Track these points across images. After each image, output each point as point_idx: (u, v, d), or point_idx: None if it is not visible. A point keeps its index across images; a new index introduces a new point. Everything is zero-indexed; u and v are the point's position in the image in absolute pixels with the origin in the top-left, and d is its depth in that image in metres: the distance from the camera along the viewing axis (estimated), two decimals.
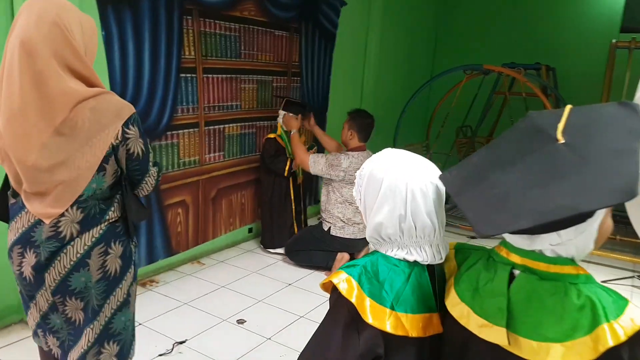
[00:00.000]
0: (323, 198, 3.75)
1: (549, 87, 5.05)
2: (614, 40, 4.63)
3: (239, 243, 4.31)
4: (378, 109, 5.96)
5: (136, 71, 3.06)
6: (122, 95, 3.01)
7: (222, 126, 3.83)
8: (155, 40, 3.15)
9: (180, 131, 3.45)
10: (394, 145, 5.20)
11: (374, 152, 1.26)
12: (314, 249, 3.73)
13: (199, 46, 3.47)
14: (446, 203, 1.16)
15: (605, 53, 5.80)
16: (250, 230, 4.42)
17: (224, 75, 3.76)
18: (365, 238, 3.70)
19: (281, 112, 3.95)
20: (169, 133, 3.36)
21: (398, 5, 6.22)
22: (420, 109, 7.27)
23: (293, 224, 4.11)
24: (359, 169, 3.55)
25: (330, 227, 3.69)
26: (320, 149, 4.96)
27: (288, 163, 3.91)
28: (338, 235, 3.66)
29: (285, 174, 3.92)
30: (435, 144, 5.16)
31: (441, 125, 5.15)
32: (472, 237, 4.87)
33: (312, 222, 4.56)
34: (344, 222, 3.65)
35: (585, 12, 6.26)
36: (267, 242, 4.11)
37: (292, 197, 4.09)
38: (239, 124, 4.00)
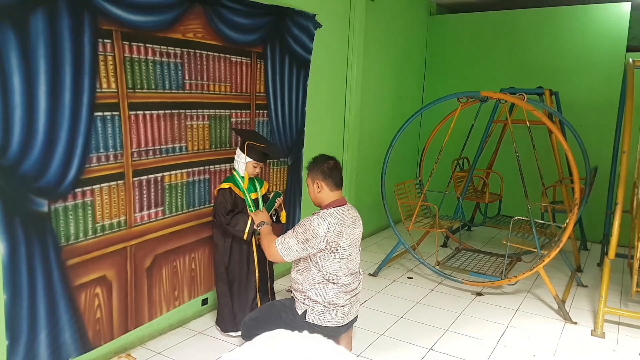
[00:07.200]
0: (294, 275, 2.82)
1: (554, 113, 4.30)
2: (631, 60, 3.89)
3: (188, 321, 3.49)
4: (363, 143, 5.34)
5: (25, 112, 2.32)
6: (4, 144, 2.27)
7: (159, 174, 3.07)
8: (56, 70, 2.43)
9: (96, 186, 2.69)
10: (381, 185, 4.44)
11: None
12: None
13: (122, 77, 2.73)
14: None
15: (611, 74, 5.85)
16: (204, 301, 3.58)
17: (161, 111, 3.02)
18: (348, 324, 2.83)
19: (242, 156, 3.10)
20: (78, 190, 2.60)
21: (382, 28, 5.67)
22: (410, 143, 6.73)
23: (256, 297, 3.25)
24: (340, 230, 2.69)
25: (306, 311, 2.73)
26: (293, 196, 4.13)
27: (249, 222, 3.03)
28: (316, 322, 2.72)
29: (245, 236, 3.06)
30: (429, 180, 4.31)
31: (435, 160, 4.33)
32: (479, 294, 4.14)
33: (278, 285, 3.66)
34: (324, 306, 2.70)
35: (586, 32, 6.07)
36: (226, 324, 3.28)
37: (256, 262, 3.19)
38: (184, 170, 3.25)
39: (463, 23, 6.72)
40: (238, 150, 3.21)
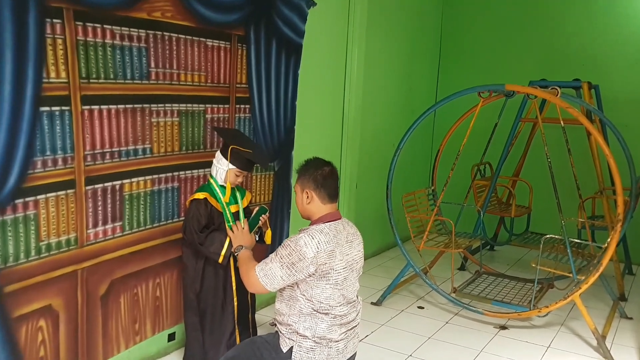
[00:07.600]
0: (279, 306, 2.79)
1: (594, 110, 4.34)
2: None
3: None
4: (365, 145, 5.36)
5: None
6: None
7: (117, 182, 3.08)
8: None
9: (41, 196, 2.68)
10: (387, 195, 4.44)
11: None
12: None
13: (74, 64, 2.76)
14: None
15: None
16: (171, 336, 3.59)
17: (122, 106, 3.04)
18: None
19: (223, 162, 3.13)
20: (18, 201, 2.58)
21: (388, 7, 5.75)
22: (421, 145, 6.74)
23: (235, 331, 3.26)
24: (333, 250, 2.71)
25: (292, 348, 2.70)
26: (281, 209, 4.13)
27: (226, 243, 3.04)
28: None
29: (221, 259, 3.06)
30: (444, 190, 4.35)
31: (451, 166, 4.35)
32: (503, 328, 4.19)
33: (261, 317, 3.64)
34: (314, 342, 2.68)
35: (632, 14, 6.11)
36: None
37: (234, 288, 3.19)
38: (148, 177, 3.26)
39: (485, 1, 6.76)
40: (219, 154, 3.19)
